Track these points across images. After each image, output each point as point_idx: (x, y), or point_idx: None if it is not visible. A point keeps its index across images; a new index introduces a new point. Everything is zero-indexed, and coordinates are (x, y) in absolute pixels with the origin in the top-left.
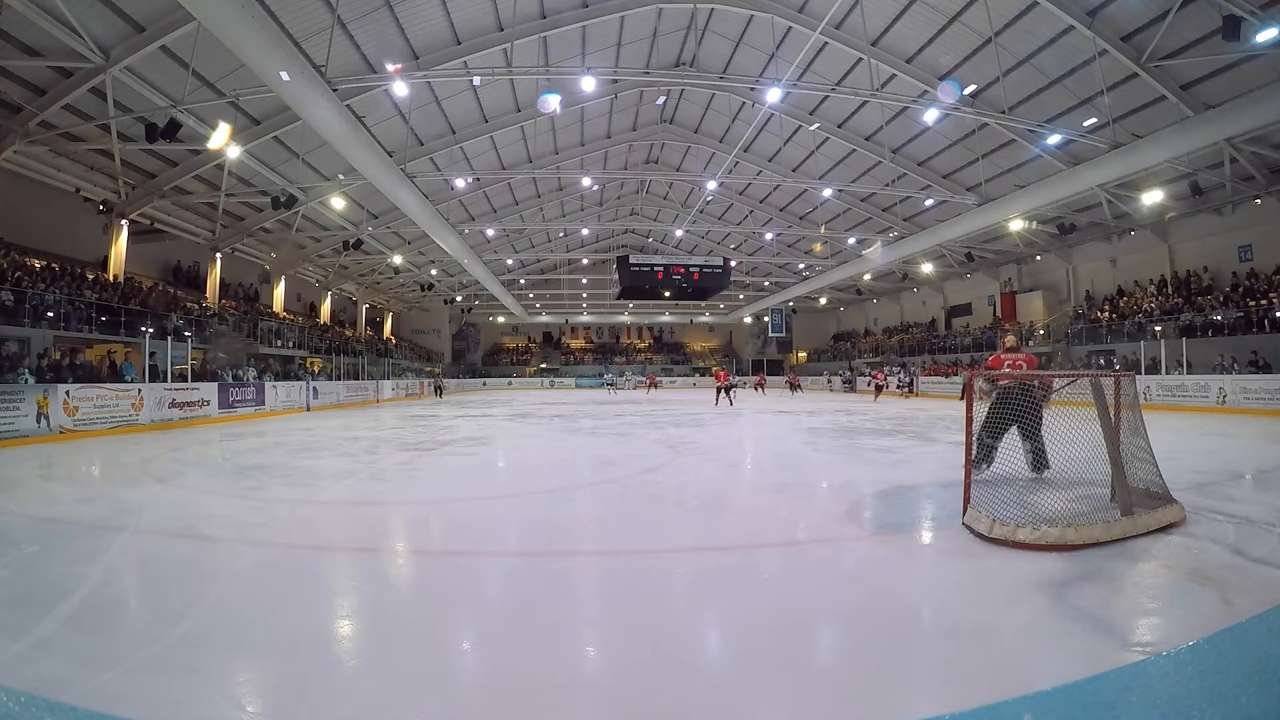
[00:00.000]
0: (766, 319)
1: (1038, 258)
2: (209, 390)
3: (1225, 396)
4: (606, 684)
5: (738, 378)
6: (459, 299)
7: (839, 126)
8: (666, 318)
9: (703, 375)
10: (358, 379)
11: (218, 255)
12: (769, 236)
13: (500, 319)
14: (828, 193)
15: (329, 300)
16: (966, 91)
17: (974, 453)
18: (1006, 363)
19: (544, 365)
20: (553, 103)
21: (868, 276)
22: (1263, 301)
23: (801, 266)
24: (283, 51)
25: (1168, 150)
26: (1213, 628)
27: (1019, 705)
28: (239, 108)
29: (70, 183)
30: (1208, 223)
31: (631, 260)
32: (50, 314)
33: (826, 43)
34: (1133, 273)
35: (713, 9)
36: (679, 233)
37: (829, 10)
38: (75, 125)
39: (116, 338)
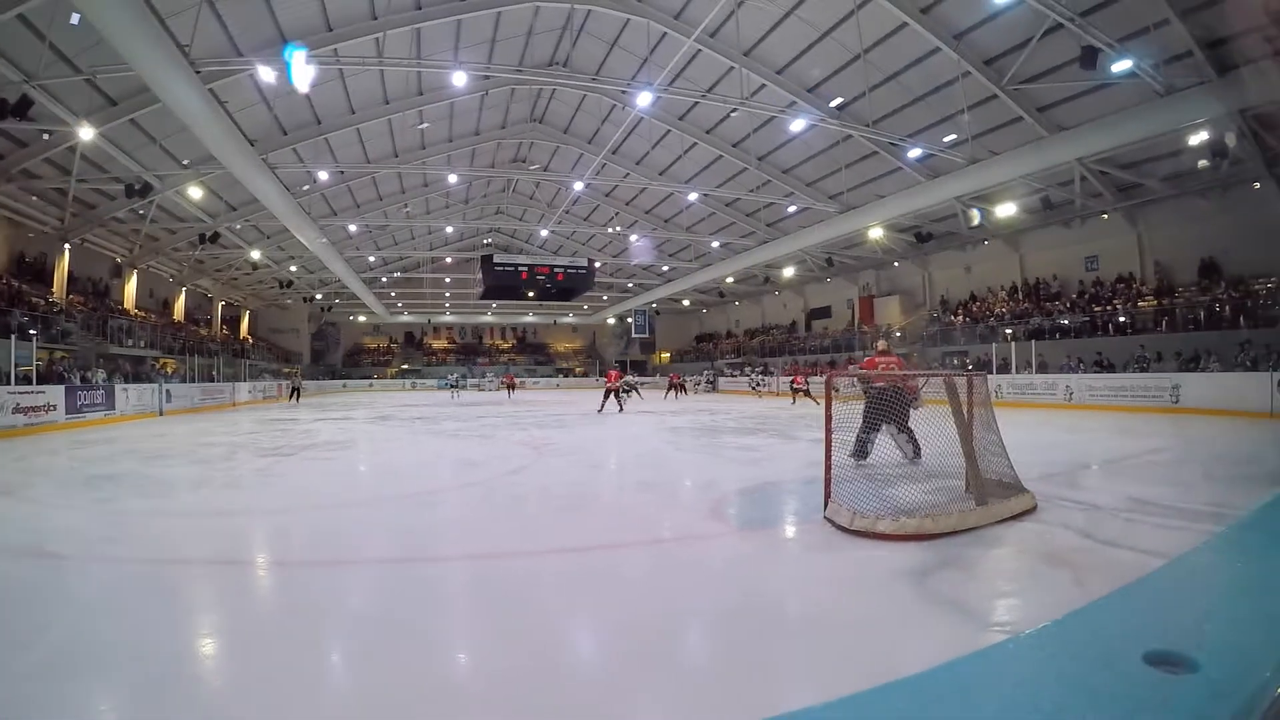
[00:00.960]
0: (630, 320)
1: (896, 264)
2: (55, 394)
3: (1072, 394)
4: (478, 690)
5: (640, 378)
6: (319, 297)
7: (707, 133)
8: (530, 318)
9: (566, 376)
10: (213, 381)
11: (66, 246)
12: (634, 239)
13: (361, 318)
14: (693, 197)
15: (183, 297)
16: (834, 104)
17: (851, 448)
18: (880, 365)
19: (406, 366)
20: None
21: (730, 279)
22: (1107, 307)
23: (665, 268)
24: (146, 27)
25: (1022, 167)
26: (1066, 608)
27: (886, 692)
28: (95, 86)
29: None
30: (1057, 235)
31: (496, 260)
32: None
33: (700, 50)
34: (986, 279)
35: (590, 10)
36: (544, 233)
37: (705, 18)
38: None
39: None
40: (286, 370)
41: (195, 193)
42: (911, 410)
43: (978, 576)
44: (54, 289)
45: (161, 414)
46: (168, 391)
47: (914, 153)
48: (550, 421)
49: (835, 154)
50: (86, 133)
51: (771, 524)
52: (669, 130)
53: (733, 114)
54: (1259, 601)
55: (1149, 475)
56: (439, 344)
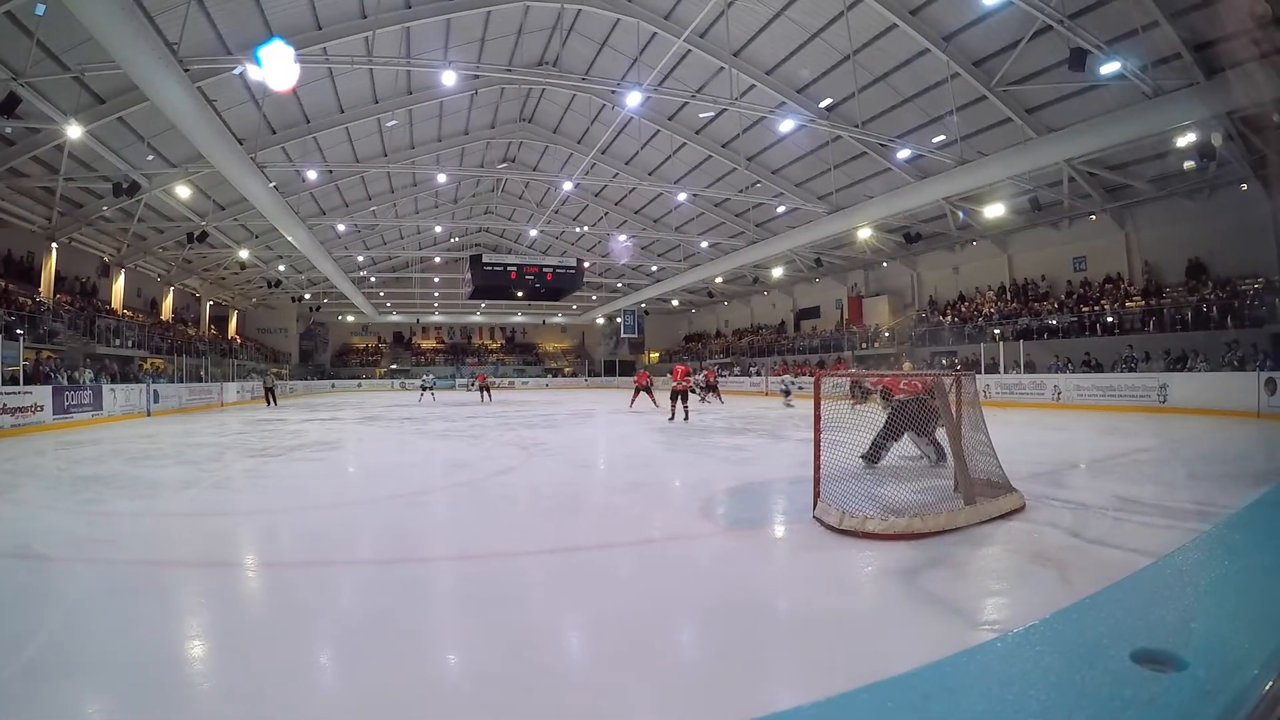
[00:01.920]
0: (619, 320)
1: (884, 264)
2: (43, 394)
3: (1060, 393)
4: (469, 690)
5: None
6: (307, 297)
7: (697, 133)
8: (519, 318)
9: (555, 376)
10: (201, 381)
11: (54, 245)
12: (623, 239)
13: (350, 318)
14: (682, 197)
15: (171, 296)
16: (823, 105)
17: (867, 449)
18: (903, 383)
19: (394, 366)
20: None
21: (719, 279)
22: (1095, 308)
23: (655, 268)
24: (134, 24)
25: (1011, 168)
26: (1053, 607)
27: (874, 691)
28: (84, 84)
29: None
30: (1046, 235)
31: (485, 260)
32: None
33: (690, 50)
34: (974, 279)
35: (580, 10)
36: (533, 233)
37: (695, 19)
38: None
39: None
40: (273, 370)
41: (183, 192)
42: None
43: (966, 575)
44: (41, 288)
45: (149, 414)
46: (155, 392)
47: (903, 153)
48: (539, 421)
49: (824, 154)
50: (74, 131)
51: (761, 524)
52: (658, 130)
53: (722, 114)
54: (1246, 600)
55: (1136, 474)
56: (428, 344)
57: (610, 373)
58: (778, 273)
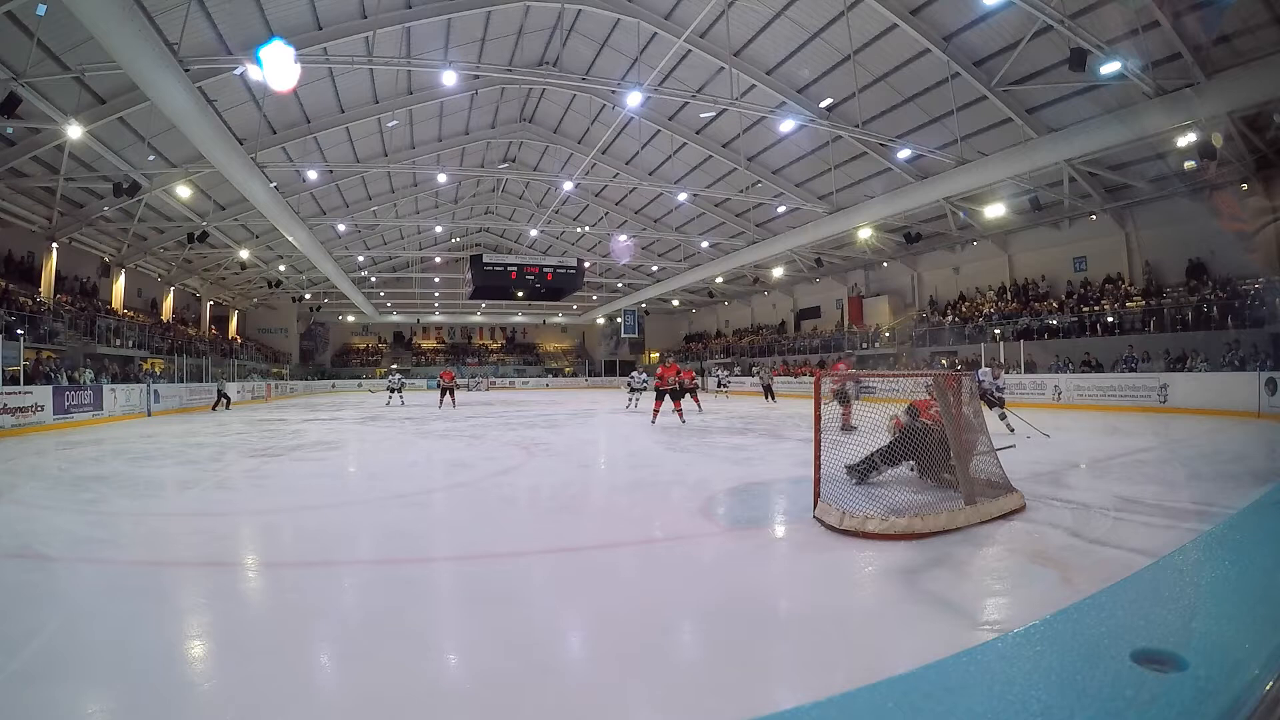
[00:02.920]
0: (619, 320)
1: (885, 264)
2: (43, 394)
3: (1060, 393)
4: (469, 691)
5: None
6: (308, 297)
7: (697, 133)
8: (519, 318)
9: (555, 376)
10: (201, 381)
11: (54, 245)
12: (623, 239)
13: (350, 318)
14: (683, 197)
15: (172, 296)
16: (823, 105)
17: (858, 461)
18: (932, 409)
19: (395, 366)
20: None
21: (719, 279)
22: (1095, 308)
23: (655, 269)
24: (134, 24)
25: (1011, 168)
26: (1054, 607)
27: (875, 691)
28: (84, 84)
29: None
30: (1046, 235)
31: (485, 259)
32: None
33: (690, 50)
34: (974, 280)
35: (580, 10)
36: (534, 233)
37: (695, 19)
38: None
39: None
40: (274, 370)
41: (184, 192)
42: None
43: (967, 575)
44: (41, 289)
45: (150, 414)
46: (156, 392)
47: (903, 153)
48: (540, 421)
49: (825, 154)
50: (75, 131)
51: (761, 523)
52: (659, 130)
53: (723, 114)
54: (1246, 600)
55: (1137, 474)
56: (428, 344)
57: (610, 373)
58: (778, 273)
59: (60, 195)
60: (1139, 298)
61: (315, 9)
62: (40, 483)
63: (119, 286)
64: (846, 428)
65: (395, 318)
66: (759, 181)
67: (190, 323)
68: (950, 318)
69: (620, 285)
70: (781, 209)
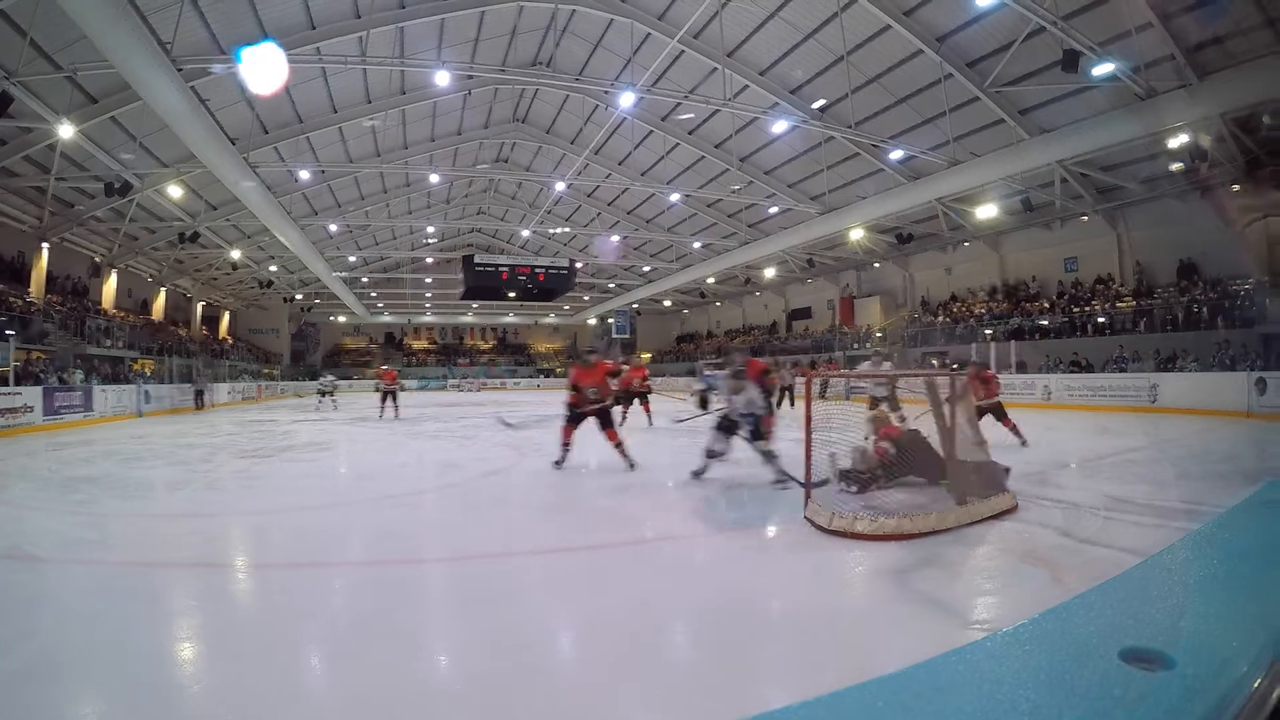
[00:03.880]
0: (611, 320)
1: (877, 265)
2: (32, 395)
3: (1050, 393)
4: (459, 691)
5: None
6: (299, 297)
7: (690, 134)
8: (511, 319)
9: (546, 376)
10: (192, 382)
11: (44, 245)
12: (615, 240)
13: (341, 318)
14: (675, 197)
15: (163, 297)
16: (816, 105)
17: (851, 468)
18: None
19: (385, 366)
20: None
21: (711, 280)
22: (1085, 308)
23: (647, 269)
24: (127, 23)
25: (1003, 169)
26: (1044, 605)
27: (865, 690)
28: (76, 83)
29: None
30: (1038, 236)
31: (477, 260)
32: None
33: (684, 51)
34: (966, 280)
35: (574, 10)
36: (526, 233)
37: (689, 19)
38: None
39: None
40: (266, 371)
41: (175, 191)
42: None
43: (957, 575)
44: (32, 289)
45: (140, 415)
46: (146, 392)
47: (895, 154)
48: (531, 422)
49: (817, 155)
50: (66, 130)
51: (752, 524)
52: (651, 131)
53: (715, 115)
54: (1234, 598)
55: (1127, 474)
56: (419, 344)
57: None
58: (770, 273)
59: (51, 195)
60: (1129, 298)
61: (309, 8)
62: (30, 484)
63: (110, 287)
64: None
65: (387, 318)
66: (751, 182)
67: (181, 323)
68: (941, 318)
69: (612, 286)
70: (774, 210)
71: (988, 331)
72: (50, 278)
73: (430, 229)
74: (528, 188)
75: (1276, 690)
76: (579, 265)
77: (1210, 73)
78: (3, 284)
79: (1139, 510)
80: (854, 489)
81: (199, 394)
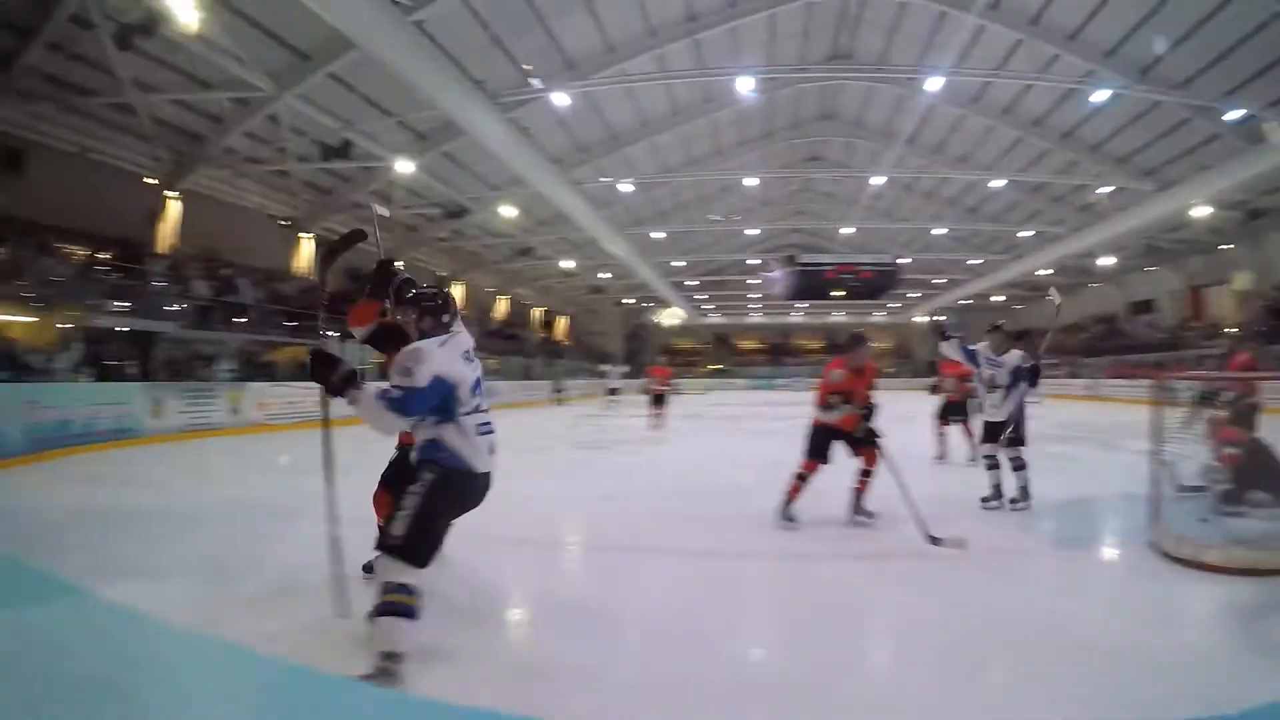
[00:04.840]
0: (941, 318)
1: (1226, 247)
2: None
3: None
4: (770, 682)
5: None
6: (629, 301)
7: (1004, 113)
8: (838, 318)
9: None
10: (529, 379)
11: (397, 264)
12: (939, 232)
13: (671, 321)
14: (996, 184)
15: (503, 304)
16: (1136, 68)
17: (1230, 484)
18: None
19: (715, 366)
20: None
21: (1041, 271)
22: None
23: (973, 261)
24: (443, 72)
25: None
26: None
27: None
28: (407, 125)
29: (254, 201)
30: None
31: (800, 260)
32: (243, 319)
33: (984, 25)
34: None
35: None
36: (847, 231)
37: None
38: (254, 149)
39: (304, 340)
40: (601, 369)
41: (507, 211)
42: None
43: None
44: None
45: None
46: (490, 389)
47: (1235, 114)
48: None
49: (1144, 124)
50: (404, 166)
51: (1085, 543)
52: (964, 114)
53: (1029, 90)
54: None
55: None
56: (747, 345)
57: (935, 373)
58: (1104, 262)
59: (396, 222)
60: None
61: (604, 34)
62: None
63: (456, 296)
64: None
65: (714, 319)
66: (1075, 160)
67: (519, 327)
68: None
69: (940, 281)
70: (1102, 189)
71: None
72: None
73: (751, 231)
74: (844, 184)
75: None
76: (904, 260)
77: None
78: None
79: None
80: (1225, 507)
81: (558, 391)
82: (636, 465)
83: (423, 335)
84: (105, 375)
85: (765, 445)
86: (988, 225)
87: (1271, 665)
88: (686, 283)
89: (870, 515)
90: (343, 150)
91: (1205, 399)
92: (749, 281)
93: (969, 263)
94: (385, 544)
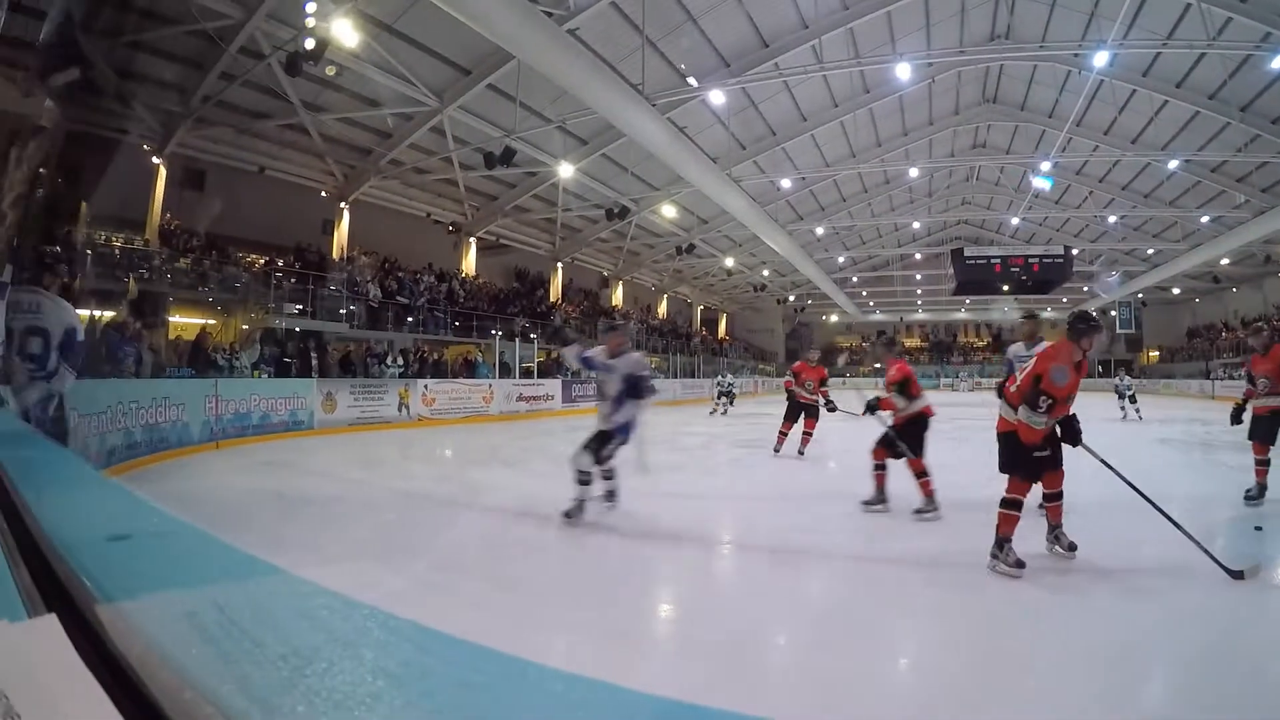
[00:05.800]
0: (1113, 313)
1: None
2: (553, 386)
3: None
4: (917, 695)
5: None
6: (791, 298)
7: (1176, 86)
8: (1005, 313)
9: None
10: (692, 377)
11: (559, 264)
12: (1112, 220)
13: (833, 318)
14: (1173, 165)
15: (665, 303)
16: None
17: None
18: None
19: (878, 365)
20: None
21: (1225, 261)
22: None
23: (1150, 251)
24: (599, 77)
25: None
26: None
27: None
28: (566, 131)
29: (421, 209)
30: None
31: (967, 253)
32: (411, 319)
33: None
34: None
35: None
36: (1014, 221)
37: None
38: (420, 160)
39: (470, 339)
40: (761, 368)
41: (668, 211)
42: None
43: None
44: (551, 297)
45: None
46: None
47: None
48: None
49: None
50: (565, 170)
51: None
52: (1134, 91)
53: (1202, 60)
54: None
55: None
56: (912, 342)
57: (1107, 373)
58: None
59: (560, 224)
60: None
61: (758, 28)
62: (547, 458)
63: (617, 295)
64: None
65: (878, 316)
66: (1256, 136)
67: (682, 325)
68: None
69: (1113, 274)
70: None
71: None
72: (564, 289)
73: (915, 224)
74: (1010, 172)
75: None
76: (1075, 251)
77: None
78: (526, 296)
79: None
80: None
81: (725, 394)
82: (795, 467)
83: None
84: (282, 371)
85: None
86: (1163, 211)
87: None
88: (850, 279)
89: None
90: (505, 157)
91: None
92: (916, 276)
93: (1147, 252)
94: None
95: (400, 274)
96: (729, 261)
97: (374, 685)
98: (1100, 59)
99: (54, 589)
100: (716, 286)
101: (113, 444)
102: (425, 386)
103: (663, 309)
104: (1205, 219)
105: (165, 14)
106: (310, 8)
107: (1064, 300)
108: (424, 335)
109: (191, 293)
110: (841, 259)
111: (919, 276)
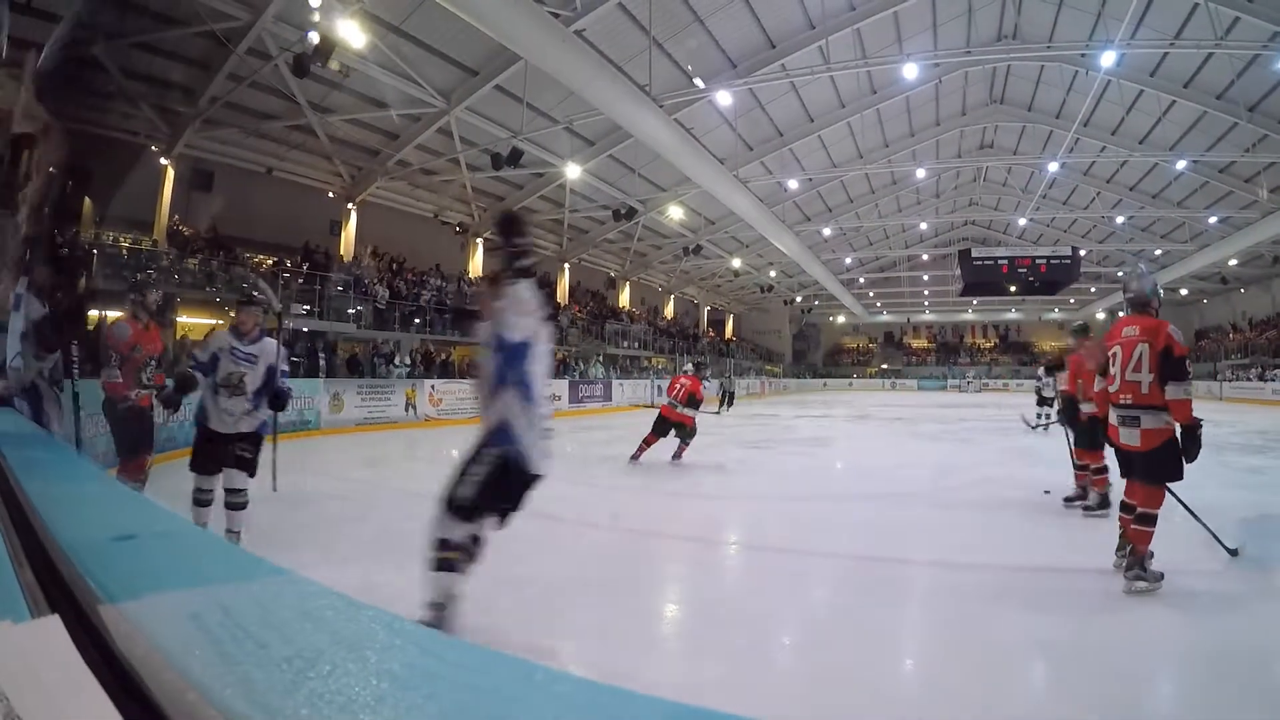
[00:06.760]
0: (1121, 314)
1: None
2: (559, 386)
3: None
4: (923, 698)
5: None
6: (798, 299)
7: (1184, 86)
8: (1012, 315)
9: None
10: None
11: (566, 265)
12: (1120, 220)
13: (840, 319)
14: (1180, 165)
15: (672, 304)
16: None
17: None
18: None
19: (885, 366)
20: None
21: (1233, 262)
22: None
23: (1158, 252)
24: (606, 78)
25: None
26: None
27: None
28: (573, 132)
29: (428, 210)
30: None
31: (974, 254)
32: (418, 320)
33: None
34: None
35: None
36: (1022, 222)
37: None
38: (427, 161)
39: (477, 341)
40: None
41: (675, 211)
42: None
43: None
44: (558, 298)
45: (653, 405)
46: (659, 386)
47: None
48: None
49: None
50: (572, 171)
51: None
52: (1141, 91)
53: (1209, 60)
54: None
55: None
56: (918, 343)
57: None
58: None
59: (567, 224)
60: None
61: (764, 28)
62: (556, 459)
63: (624, 296)
64: None
65: (884, 317)
66: (1265, 136)
67: (690, 326)
68: None
69: (1121, 274)
70: None
71: None
72: (572, 290)
73: (922, 225)
74: (1018, 172)
75: None
76: (1083, 252)
77: None
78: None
79: None
80: None
81: (727, 395)
82: (803, 468)
83: None
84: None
85: (936, 450)
86: (1171, 211)
87: None
88: (857, 280)
89: (1158, 579)
90: (513, 158)
91: None
92: (924, 277)
93: (1154, 253)
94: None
95: (406, 274)
96: (736, 262)
97: (378, 688)
98: (1107, 59)
99: (58, 589)
100: (724, 287)
101: None
102: (432, 387)
103: (670, 310)
104: (1213, 219)
105: (173, 15)
106: (315, 2)
107: (1071, 301)
108: (431, 335)
109: (199, 293)
110: (849, 260)
111: (926, 277)
